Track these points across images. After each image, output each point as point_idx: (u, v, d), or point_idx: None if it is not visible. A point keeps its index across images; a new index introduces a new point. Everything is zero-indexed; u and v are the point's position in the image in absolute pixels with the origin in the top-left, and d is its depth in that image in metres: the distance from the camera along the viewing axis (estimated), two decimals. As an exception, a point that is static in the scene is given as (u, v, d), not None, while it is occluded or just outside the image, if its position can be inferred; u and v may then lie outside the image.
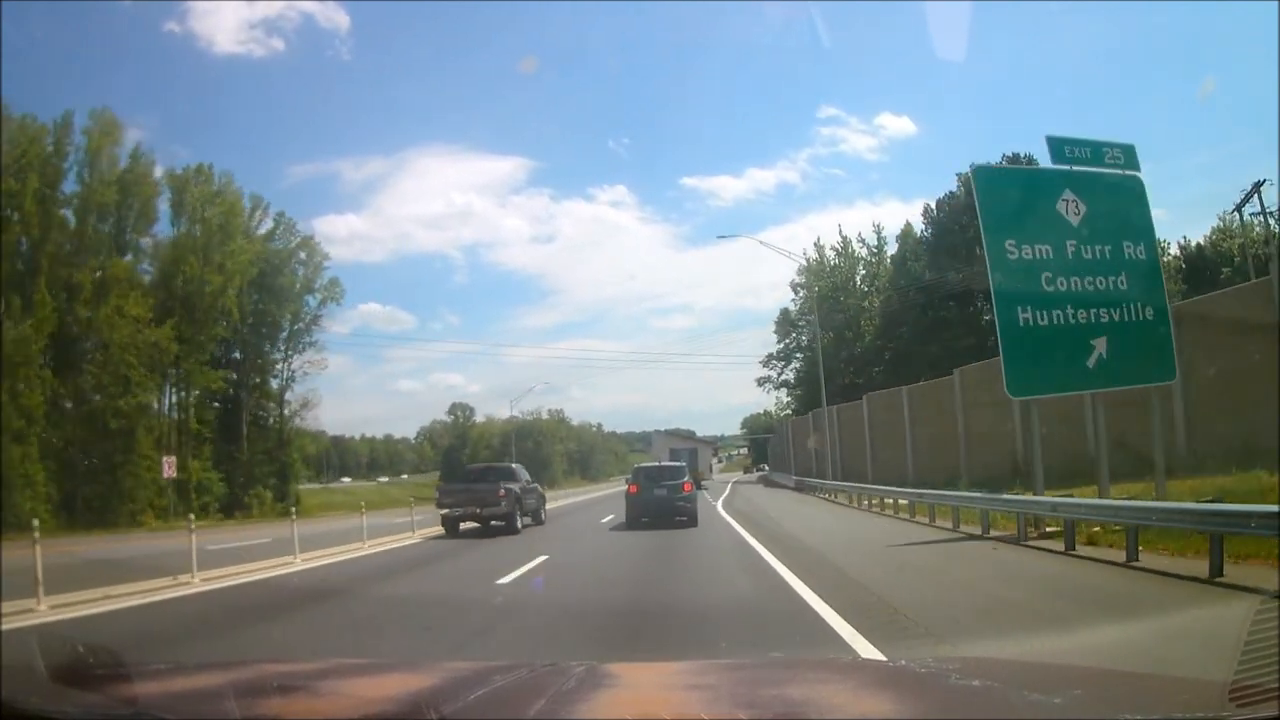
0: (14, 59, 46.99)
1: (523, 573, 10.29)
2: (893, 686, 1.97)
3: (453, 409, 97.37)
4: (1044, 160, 13.76)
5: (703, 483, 39.35)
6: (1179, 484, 12.07)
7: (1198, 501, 8.47)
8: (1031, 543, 11.10)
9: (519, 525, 17.96)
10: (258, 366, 45.46)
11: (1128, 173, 12.80)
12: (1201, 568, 7.42)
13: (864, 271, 51.51)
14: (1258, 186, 33.87)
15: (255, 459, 42.31)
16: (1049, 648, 5.06)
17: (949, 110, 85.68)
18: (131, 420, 34.15)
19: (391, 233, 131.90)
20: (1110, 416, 12.80)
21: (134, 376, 34.35)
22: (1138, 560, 8.44)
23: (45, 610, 7.92)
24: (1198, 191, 72.23)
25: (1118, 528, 9.25)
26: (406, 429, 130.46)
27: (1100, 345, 12.00)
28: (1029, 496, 11.96)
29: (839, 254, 51.46)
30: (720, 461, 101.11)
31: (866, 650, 5.25)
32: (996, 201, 12.94)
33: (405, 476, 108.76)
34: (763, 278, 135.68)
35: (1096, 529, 10.14)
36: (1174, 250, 40.72)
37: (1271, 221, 34.43)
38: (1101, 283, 12.21)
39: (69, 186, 34.85)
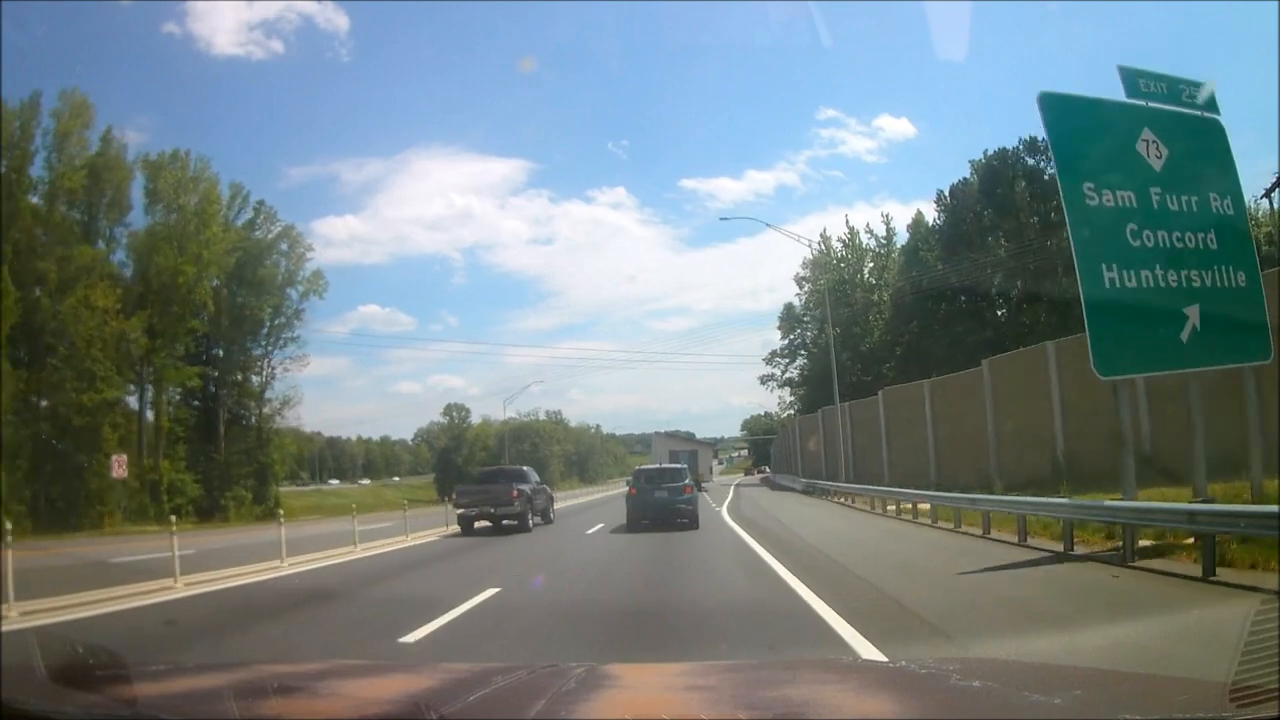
0: (14, 59, 48.68)
1: (440, 625, 7.23)
2: (893, 687, 2.05)
3: (447, 410, 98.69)
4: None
5: (703, 485, 39.51)
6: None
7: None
8: (1144, 564, 8.93)
9: (530, 524, 19.83)
10: (237, 363, 45.33)
11: (1207, 114, 11.45)
12: None
13: (872, 264, 51.46)
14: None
15: (233, 460, 42.19)
16: None
17: (948, 112, 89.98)
18: (96, 418, 33.74)
19: (391, 234, 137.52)
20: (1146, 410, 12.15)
21: (99, 371, 33.98)
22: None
23: (16, 617, 7.99)
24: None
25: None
26: (406, 431, 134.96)
27: (1193, 314, 10.55)
28: (1146, 503, 9.83)
29: (846, 246, 51.37)
30: (721, 464, 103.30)
31: None
32: (1071, 136, 11.28)
33: (396, 479, 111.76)
34: (762, 280, 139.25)
35: (1234, 545, 8.20)
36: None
37: None
38: (1191, 239, 10.83)
39: (35, 171, 34.82)
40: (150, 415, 39.43)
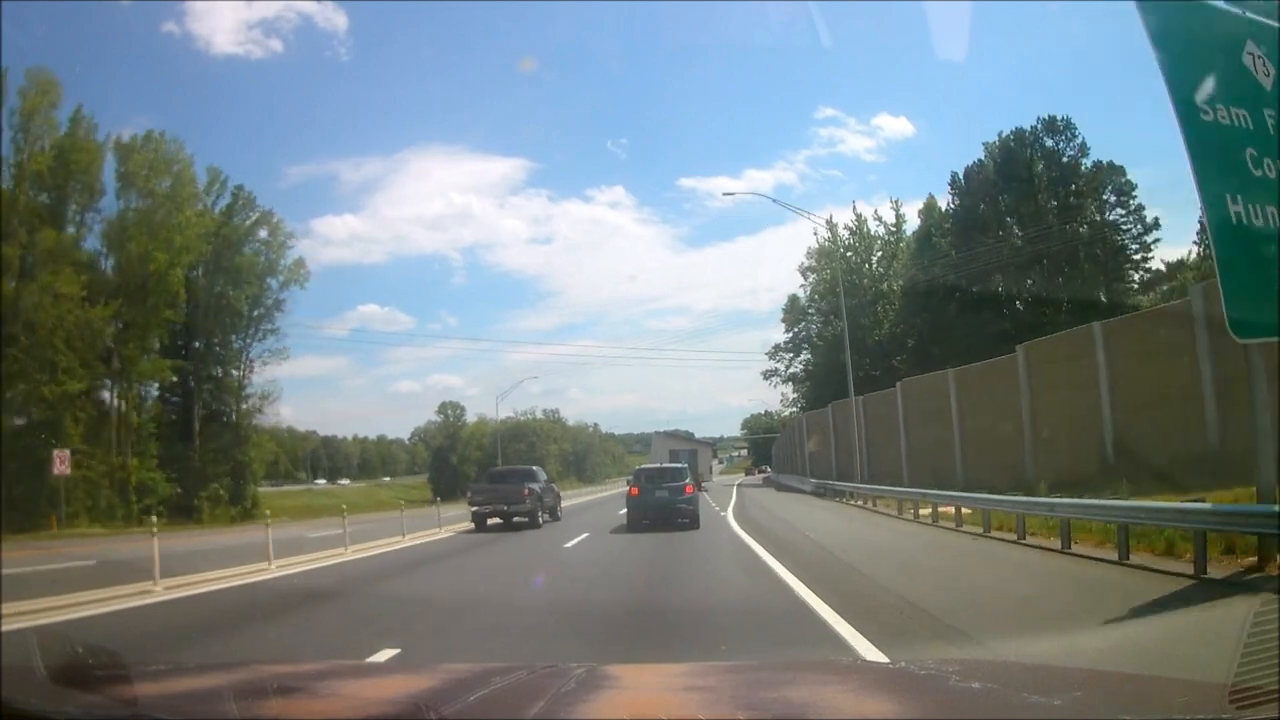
0: (14, 59, 49.34)
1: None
2: (893, 688, 2.15)
3: (442, 408, 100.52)
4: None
5: (703, 485, 39.71)
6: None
7: None
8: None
9: (540, 521, 21.86)
10: (214, 356, 45.24)
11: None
12: None
13: (880, 253, 51.39)
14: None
15: (208, 458, 42.06)
16: None
17: (947, 111, 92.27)
18: (58, 410, 33.46)
19: (390, 234, 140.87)
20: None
21: (62, 362, 33.71)
22: None
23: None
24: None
25: None
26: (406, 430, 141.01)
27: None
28: None
29: (853, 234, 51.25)
30: (721, 463, 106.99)
31: None
32: (1177, 39, 10.05)
33: (388, 479, 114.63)
34: (761, 280, 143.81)
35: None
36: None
37: None
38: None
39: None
40: (122, 409, 39.10)
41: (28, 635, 2.06)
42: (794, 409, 62.08)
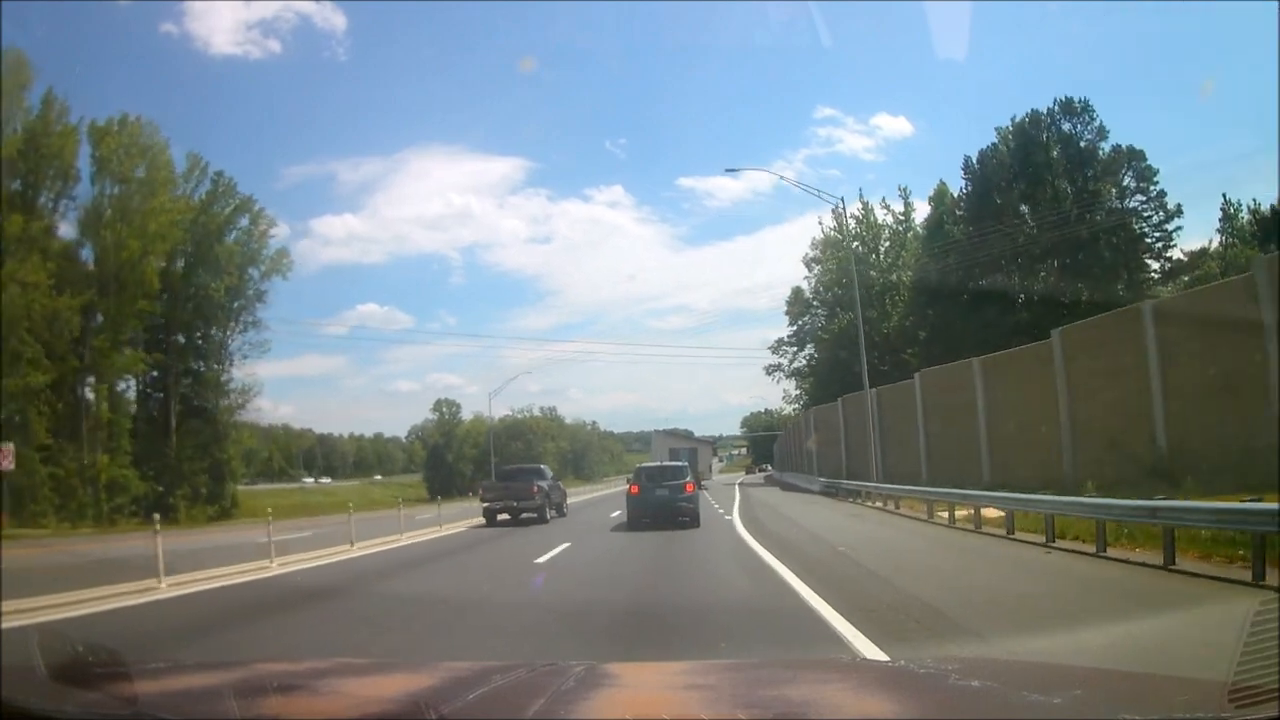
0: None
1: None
2: (893, 687, 2.24)
3: (437, 405, 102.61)
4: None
5: (703, 483, 39.99)
6: None
7: None
8: None
9: (548, 516, 23.73)
10: (193, 349, 45.28)
11: None
12: None
13: (888, 243, 51.43)
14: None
15: (185, 455, 42.13)
16: None
17: (946, 110, 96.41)
18: (21, 404, 33.30)
19: (389, 234, 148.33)
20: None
21: (28, 353, 33.60)
22: None
23: None
24: (1197, 190, 79.90)
25: None
26: (405, 429, 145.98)
27: None
28: None
29: (860, 223, 51.18)
30: (720, 461, 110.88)
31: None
32: None
33: (379, 477, 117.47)
34: (759, 279, 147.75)
35: None
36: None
37: None
38: None
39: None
40: (93, 403, 39.00)
41: (28, 633, 2.14)
42: (797, 405, 62.38)
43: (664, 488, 20.10)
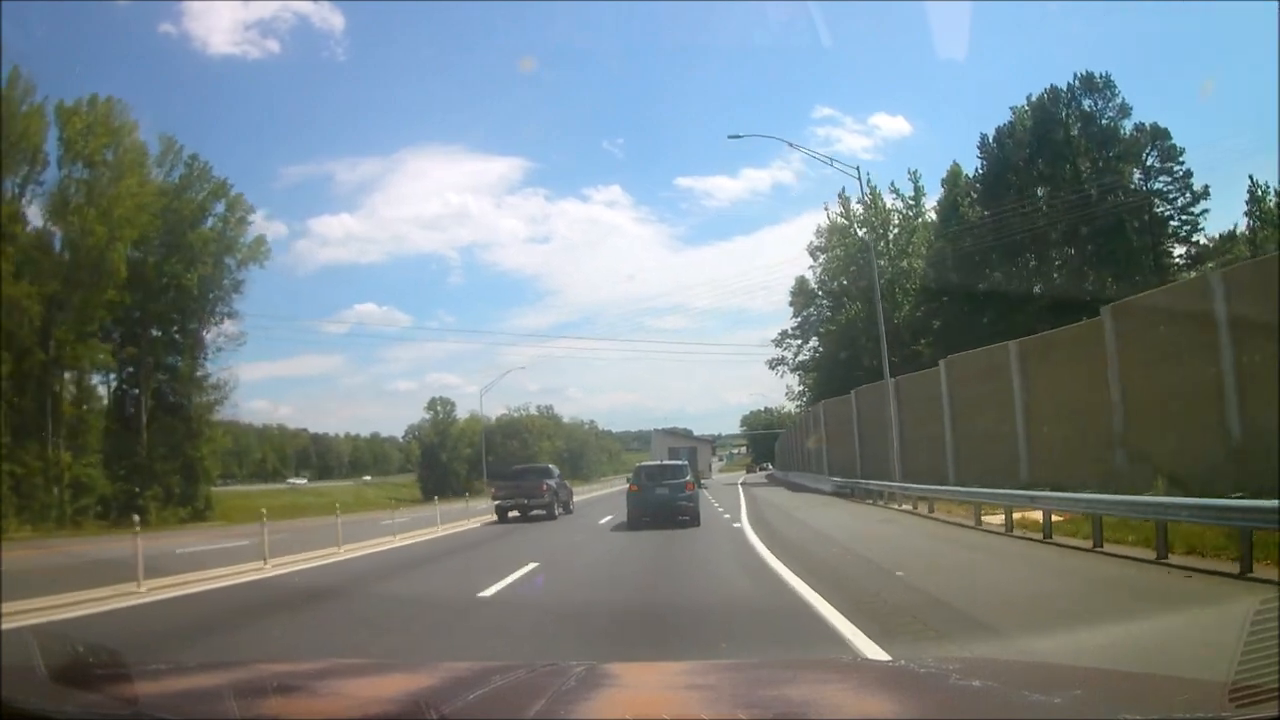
0: (12, 59, 50.44)
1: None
2: (893, 687, 2.35)
3: (431, 404, 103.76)
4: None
5: (703, 483, 40.30)
6: None
7: None
8: None
9: (556, 513, 26.14)
10: (168, 342, 45.11)
11: None
12: None
13: (898, 229, 51.28)
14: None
15: (156, 454, 41.94)
16: None
17: (945, 110, 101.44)
18: None
19: (388, 233, 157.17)
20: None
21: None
22: None
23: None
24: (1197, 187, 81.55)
25: None
26: (402, 430, 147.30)
27: None
28: None
29: (867, 208, 51.12)
30: (720, 460, 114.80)
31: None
32: None
33: (368, 478, 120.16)
34: (757, 278, 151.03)
35: None
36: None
37: None
38: None
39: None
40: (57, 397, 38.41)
41: (27, 634, 2.24)
42: (800, 402, 62.80)
43: (664, 486, 20.95)
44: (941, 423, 27.87)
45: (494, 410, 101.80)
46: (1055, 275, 41.76)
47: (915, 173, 53.01)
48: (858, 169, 35.95)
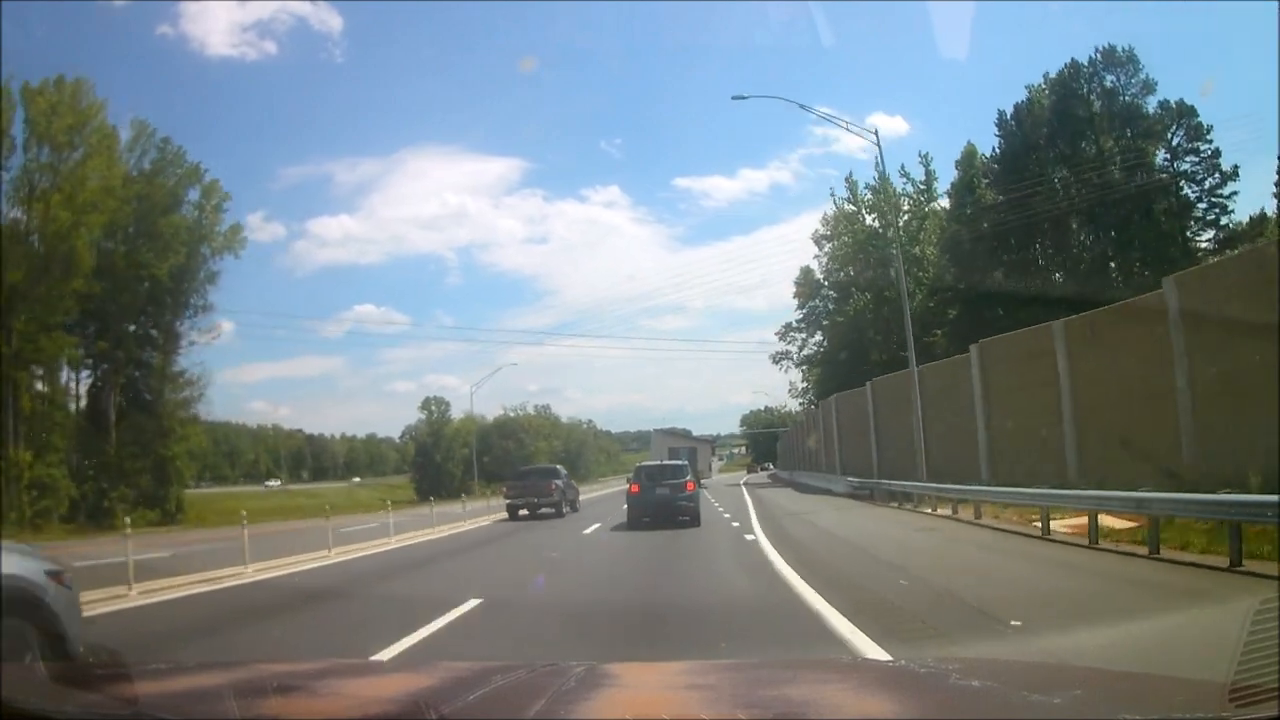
0: (12, 60, 51.35)
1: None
2: (893, 687, 2.46)
3: (426, 404, 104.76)
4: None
5: (702, 482, 40.49)
6: None
7: None
8: None
9: (564, 511, 28.71)
10: (140, 336, 44.97)
11: None
12: None
13: (908, 214, 50.97)
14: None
15: (125, 453, 41.79)
16: None
17: (945, 110, 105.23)
18: None
19: (386, 234, 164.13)
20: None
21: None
22: None
23: None
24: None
25: None
26: (399, 431, 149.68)
27: None
28: None
29: (875, 192, 50.45)
30: (720, 460, 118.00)
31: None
32: None
33: (357, 480, 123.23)
34: (755, 278, 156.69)
35: None
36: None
37: None
38: None
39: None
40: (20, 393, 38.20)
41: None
42: (803, 400, 63.33)
43: (664, 486, 21.82)
44: (973, 415, 25.99)
45: (491, 410, 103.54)
46: (1079, 262, 41.47)
47: (926, 155, 53.02)
48: (875, 131, 35.46)
